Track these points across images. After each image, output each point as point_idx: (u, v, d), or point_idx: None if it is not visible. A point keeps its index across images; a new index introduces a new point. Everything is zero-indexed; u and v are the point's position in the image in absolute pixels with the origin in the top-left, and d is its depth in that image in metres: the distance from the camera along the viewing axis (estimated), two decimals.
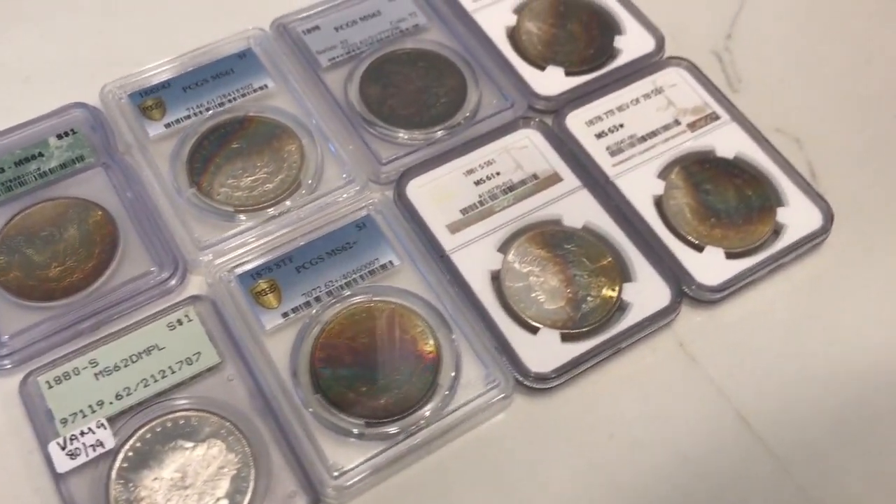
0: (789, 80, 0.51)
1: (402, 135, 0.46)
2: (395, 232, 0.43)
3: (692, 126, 0.47)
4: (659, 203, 0.44)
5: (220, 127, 0.45)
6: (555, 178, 0.45)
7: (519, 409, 0.39)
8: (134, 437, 0.37)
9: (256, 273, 0.41)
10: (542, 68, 0.49)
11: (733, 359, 0.41)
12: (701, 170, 0.45)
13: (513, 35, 0.50)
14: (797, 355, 0.41)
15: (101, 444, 0.36)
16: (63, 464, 0.36)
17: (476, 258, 0.42)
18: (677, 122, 0.47)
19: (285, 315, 0.40)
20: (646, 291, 0.41)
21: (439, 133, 0.46)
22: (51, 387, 0.38)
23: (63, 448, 0.36)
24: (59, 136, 0.45)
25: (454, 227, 0.43)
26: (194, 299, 0.40)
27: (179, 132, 0.45)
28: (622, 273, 0.42)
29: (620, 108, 0.47)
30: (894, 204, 0.46)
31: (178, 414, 0.37)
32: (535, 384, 0.39)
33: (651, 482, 0.38)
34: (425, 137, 0.46)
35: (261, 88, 0.47)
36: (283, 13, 0.50)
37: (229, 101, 0.47)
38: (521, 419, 0.39)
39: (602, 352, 0.40)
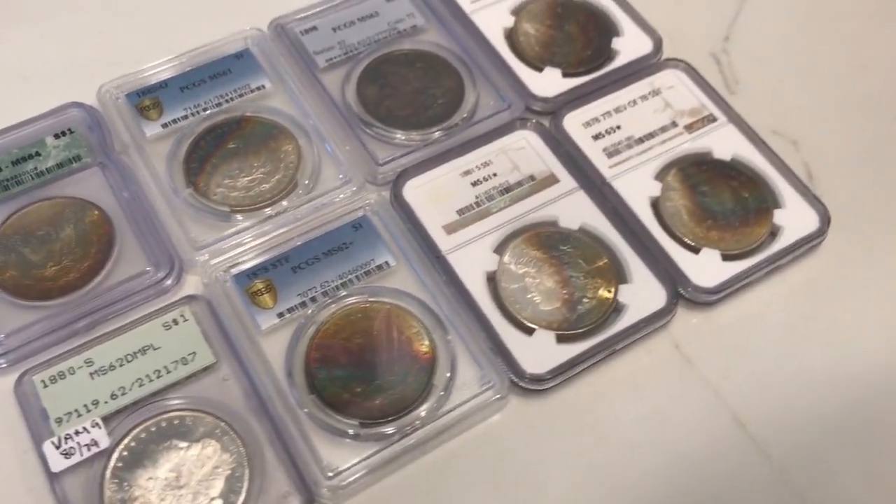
0: (787, 83, 0.51)
1: (399, 136, 0.46)
2: (392, 232, 0.43)
3: (689, 128, 0.47)
4: (655, 205, 0.44)
5: (217, 127, 0.45)
6: (551, 180, 0.45)
7: (514, 411, 0.39)
8: (129, 437, 0.37)
9: (252, 273, 0.41)
10: (540, 69, 0.49)
11: (729, 361, 0.41)
12: (698, 171, 0.45)
13: (510, 36, 0.50)
14: (793, 357, 0.41)
15: (96, 444, 0.36)
16: (57, 463, 0.36)
17: (472, 259, 0.42)
18: (674, 124, 0.47)
19: (281, 315, 0.40)
20: (642, 293, 0.41)
21: (436, 134, 0.46)
22: (46, 386, 0.38)
23: (58, 447, 0.36)
24: (57, 136, 0.45)
25: (450, 228, 0.43)
26: (190, 299, 0.40)
27: (176, 132, 0.45)
28: (618, 274, 0.42)
29: (617, 110, 0.47)
30: (891, 206, 0.46)
31: (172, 413, 0.37)
32: (531, 385, 0.39)
33: (646, 484, 0.38)
34: (422, 138, 0.46)
35: (258, 89, 0.47)
36: (281, 13, 0.50)
37: (226, 101, 0.47)
38: (517, 420, 0.39)
39: (597, 353, 0.40)
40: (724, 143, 0.46)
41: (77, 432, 0.37)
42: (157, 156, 0.45)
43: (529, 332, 0.40)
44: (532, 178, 0.45)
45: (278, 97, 0.47)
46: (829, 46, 0.52)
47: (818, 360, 0.41)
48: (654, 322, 0.41)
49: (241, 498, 0.36)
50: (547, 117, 0.47)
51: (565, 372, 0.39)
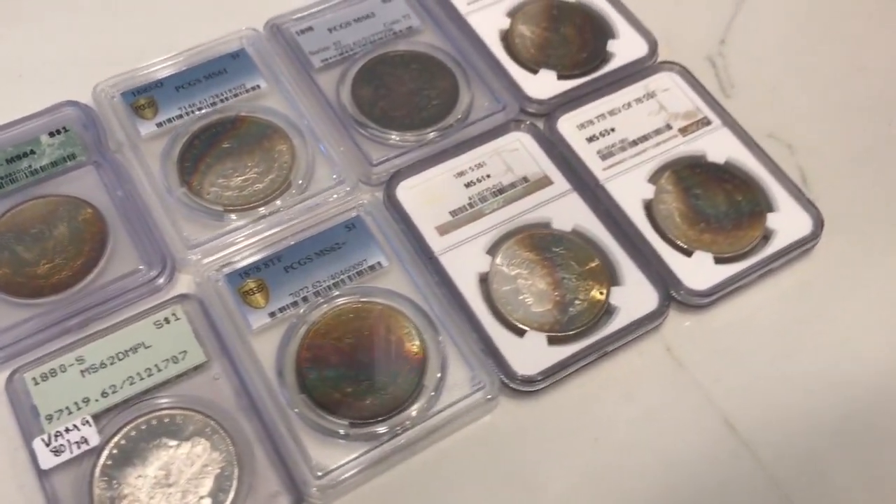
0: (783, 86, 0.51)
1: (394, 136, 0.46)
2: (385, 233, 0.43)
3: (684, 131, 0.47)
4: (649, 207, 0.44)
5: (212, 126, 0.46)
6: (545, 182, 0.45)
7: (505, 412, 0.39)
8: (119, 435, 0.37)
9: (244, 272, 0.41)
10: (535, 71, 0.49)
11: (721, 364, 0.41)
12: (691, 174, 0.45)
13: (506, 38, 0.50)
14: (785, 361, 0.41)
15: (86, 442, 0.37)
16: (47, 460, 0.36)
17: (464, 260, 0.42)
18: (669, 127, 0.47)
19: (272, 315, 0.40)
20: (633, 295, 0.41)
21: (430, 135, 0.46)
22: (37, 383, 0.38)
23: (48, 445, 0.36)
24: (52, 134, 0.45)
25: (443, 229, 0.43)
26: (182, 298, 0.41)
27: (171, 131, 0.45)
28: (610, 277, 0.42)
29: (612, 113, 0.47)
30: (885, 211, 0.46)
31: (163, 412, 0.37)
32: (521, 387, 0.39)
33: (636, 486, 0.38)
34: (417, 139, 0.46)
35: (253, 89, 0.47)
36: (277, 13, 0.50)
37: (221, 100, 0.47)
38: (507, 421, 0.39)
39: (589, 355, 0.40)
40: (719, 147, 0.46)
41: (67, 430, 0.37)
42: (152, 155, 0.45)
43: (521, 333, 0.40)
44: (525, 179, 0.45)
45: (273, 97, 0.47)
46: (825, 50, 0.52)
47: (810, 363, 0.41)
48: (645, 324, 0.41)
49: (231, 497, 0.36)
50: (541, 119, 0.47)
51: (556, 373, 0.39)
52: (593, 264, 0.42)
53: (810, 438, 0.40)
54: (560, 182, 0.45)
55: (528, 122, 0.47)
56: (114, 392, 0.38)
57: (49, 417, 0.37)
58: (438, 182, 0.45)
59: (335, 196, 0.44)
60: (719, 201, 0.44)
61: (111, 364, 0.38)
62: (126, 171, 0.44)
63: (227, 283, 0.41)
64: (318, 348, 0.39)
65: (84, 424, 0.37)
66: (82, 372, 0.38)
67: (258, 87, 0.47)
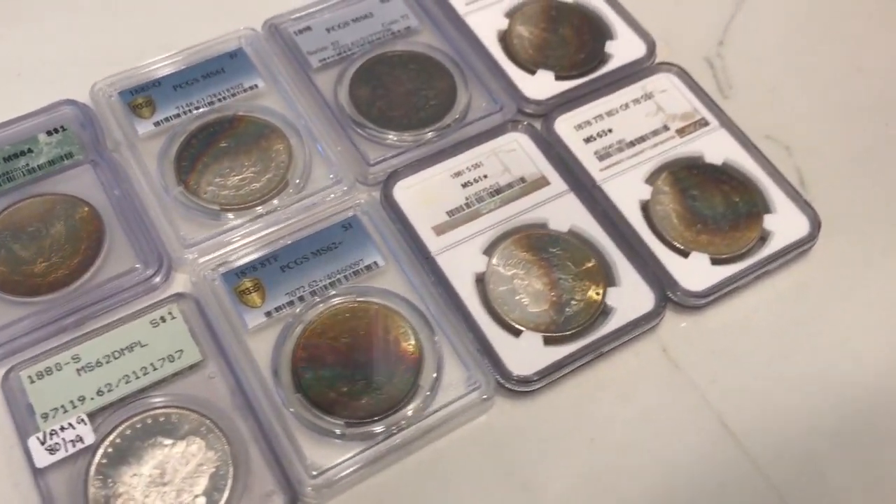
0: (781, 88, 0.51)
1: (391, 136, 0.46)
2: (381, 233, 0.43)
3: (681, 132, 0.47)
4: (645, 208, 0.44)
5: (209, 126, 0.46)
6: (542, 182, 0.45)
7: (501, 412, 0.39)
8: (114, 434, 0.37)
9: (241, 272, 0.41)
10: (533, 72, 0.49)
11: (717, 365, 0.41)
12: (688, 175, 0.45)
13: (504, 38, 0.50)
14: (781, 362, 0.41)
15: (81, 440, 0.36)
16: (42, 459, 0.36)
17: (461, 260, 0.42)
18: (666, 128, 0.47)
19: (268, 314, 0.40)
20: (630, 296, 0.41)
21: (428, 135, 0.46)
22: (33, 382, 0.38)
23: (43, 443, 0.36)
24: (49, 133, 0.45)
25: (440, 229, 0.43)
26: (178, 297, 0.41)
27: (168, 130, 0.45)
28: (606, 277, 0.42)
29: (609, 113, 0.47)
30: (882, 213, 0.46)
31: (158, 411, 0.37)
32: (517, 387, 0.39)
33: (632, 487, 0.38)
34: (414, 139, 0.46)
35: (251, 88, 0.47)
36: (275, 13, 0.50)
37: (219, 100, 0.47)
38: (503, 421, 0.39)
39: (585, 356, 0.40)
40: (716, 148, 0.46)
41: (62, 428, 0.37)
42: (149, 154, 0.45)
43: (517, 333, 0.40)
44: (522, 180, 0.45)
45: (271, 97, 0.47)
46: (823, 52, 0.52)
47: (806, 365, 0.41)
48: (641, 325, 0.41)
49: (225, 496, 0.36)
50: (539, 120, 0.47)
51: (552, 374, 0.39)
52: (590, 265, 0.42)
53: (807, 439, 0.39)
54: (557, 182, 0.45)
55: (525, 123, 0.47)
56: (109, 391, 0.38)
57: (44, 416, 0.37)
58: (435, 182, 0.45)
59: (332, 196, 0.44)
60: (716, 202, 0.44)
61: (107, 363, 0.38)
62: (123, 170, 0.44)
63: (223, 283, 0.41)
64: (314, 348, 0.39)
65: (79, 423, 0.37)
66: (78, 370, 0.38)
67: (256, 86, 0.47)
